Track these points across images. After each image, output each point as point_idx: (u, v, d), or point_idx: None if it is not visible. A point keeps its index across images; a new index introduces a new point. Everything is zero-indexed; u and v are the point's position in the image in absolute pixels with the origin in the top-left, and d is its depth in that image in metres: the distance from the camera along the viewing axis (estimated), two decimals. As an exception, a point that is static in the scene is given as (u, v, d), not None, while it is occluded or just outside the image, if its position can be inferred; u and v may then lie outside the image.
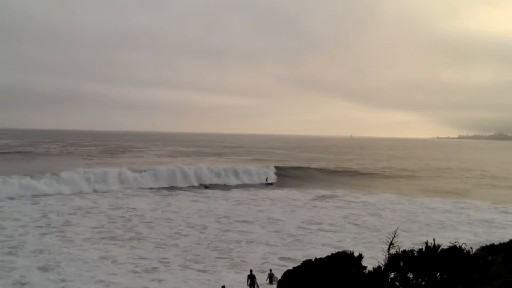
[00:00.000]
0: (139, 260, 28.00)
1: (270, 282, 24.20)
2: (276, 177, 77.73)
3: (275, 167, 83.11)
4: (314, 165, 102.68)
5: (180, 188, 62.94)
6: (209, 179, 69.98)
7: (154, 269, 26.46)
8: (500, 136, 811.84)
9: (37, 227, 35.81)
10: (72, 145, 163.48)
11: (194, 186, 65.47)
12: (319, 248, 31.34)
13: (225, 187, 67.41)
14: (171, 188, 62.65)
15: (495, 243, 19.06)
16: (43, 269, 25.42)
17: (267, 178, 75.58)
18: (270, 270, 25.26)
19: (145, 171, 66.55)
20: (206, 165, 77.28)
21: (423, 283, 10.83)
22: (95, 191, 56.09)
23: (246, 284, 23.50)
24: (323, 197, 58.13)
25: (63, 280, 23.53)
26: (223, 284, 22.65)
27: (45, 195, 51.37)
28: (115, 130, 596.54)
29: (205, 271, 26.35)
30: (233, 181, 71.91)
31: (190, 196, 55.92)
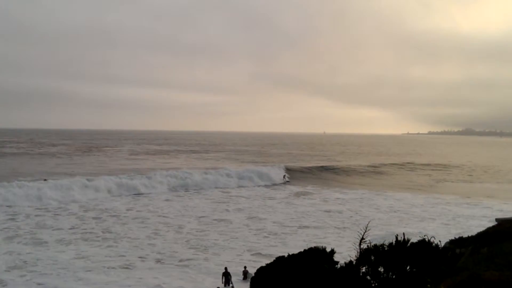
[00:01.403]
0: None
1: (245, 278, 24.28)
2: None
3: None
4: (289, 163, 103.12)
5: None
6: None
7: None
8: (469, 132, 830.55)
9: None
10: (42, 144, 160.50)
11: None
12: (298, 244, 31.50)
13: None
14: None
15: (464, 236, 19.52)
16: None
17: (284, 175, 75.10)
18: (245, 267, 25.35)
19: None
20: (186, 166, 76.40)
21: (394, 276, 11.02)
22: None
23: (220, 282, 23.50)
24: (297, 194, 58.56)
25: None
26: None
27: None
28: (87, 129, 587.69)
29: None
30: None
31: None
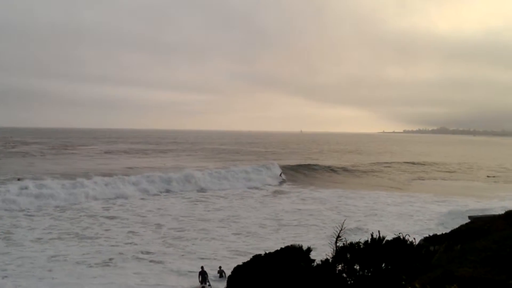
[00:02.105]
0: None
1: (221, 277, 24.32)
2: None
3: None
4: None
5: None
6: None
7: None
8: (443, 130, 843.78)
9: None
10: (15, 143, 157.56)
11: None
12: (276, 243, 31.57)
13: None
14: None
15: (438, 234, 19.80)
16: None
17: (281, 173, 74.67)
18: (220, 267, 25.37)
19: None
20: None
21: (369, 274, 11.10)
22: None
23: (197, 281, 23.45)
24: (274, 193, 58.77)
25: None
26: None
27: None
28: (63, 127, 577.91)
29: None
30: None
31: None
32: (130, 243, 31.14)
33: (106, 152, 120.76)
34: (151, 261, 27.24)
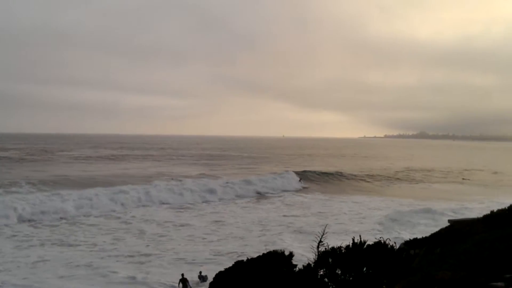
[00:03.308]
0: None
1: (203, 281, 24.30)
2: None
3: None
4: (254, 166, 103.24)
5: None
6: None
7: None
8: (423, 135, 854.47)
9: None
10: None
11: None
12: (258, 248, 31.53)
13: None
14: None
15: (418, 237, 20.02)
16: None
17: (300, 179, 74.84)
18: (200, 272, 25.31)
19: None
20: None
21: (351, 278, 11.16)
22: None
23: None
24: (258, 199, 58.81)
25: None
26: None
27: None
28: (42, 133, 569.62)
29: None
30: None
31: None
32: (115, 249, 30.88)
33: (86, 158, 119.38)
34: (132, 263, 27.05)
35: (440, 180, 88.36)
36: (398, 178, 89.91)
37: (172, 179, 72.27)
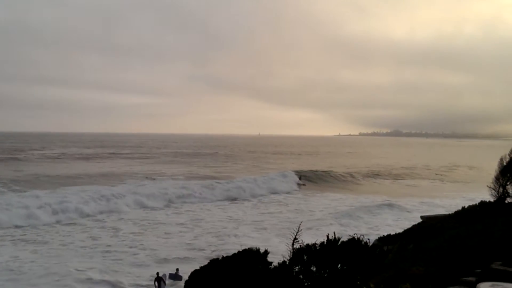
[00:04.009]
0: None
1: (176, 279, 24.24)
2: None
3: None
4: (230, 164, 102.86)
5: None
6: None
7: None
8: (396, 133, 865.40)
9: None
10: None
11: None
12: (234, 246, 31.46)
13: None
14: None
15: (391, 234, 20.28)
16: None
17: (300, 177, 73.99)
18: (177, 269, 25.20)
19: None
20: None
21: (326, 274, 11.23)
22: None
23: (153, 286, 23.18)
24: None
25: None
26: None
27: None
28: (14, 131, 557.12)
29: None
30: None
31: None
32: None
33: (59, 157, 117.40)
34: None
35: (419, 177, 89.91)
36: (378, 175, 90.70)
37: (146, 177, 71.79)
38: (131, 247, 31.57)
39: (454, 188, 72.36)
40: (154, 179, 70.10)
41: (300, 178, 73.63)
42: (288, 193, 63.41)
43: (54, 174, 73.13)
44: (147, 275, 24.92)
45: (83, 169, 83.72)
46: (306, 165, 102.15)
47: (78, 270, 25.63)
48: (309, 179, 78.49)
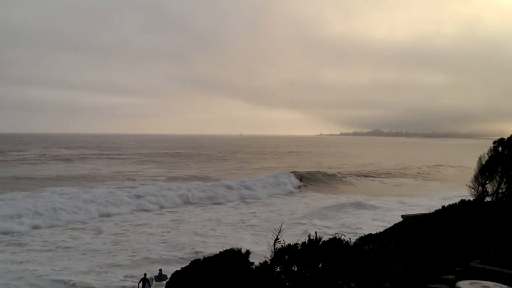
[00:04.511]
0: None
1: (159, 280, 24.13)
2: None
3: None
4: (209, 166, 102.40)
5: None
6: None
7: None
8: (377, 132, 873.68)
9: None
10: None
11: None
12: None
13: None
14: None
15: (372, 233, 20.39)
16: None
17: (301, 178, 73.44)
18: (160, 269, 25.08)
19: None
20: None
21: (307, 274, 11.22)
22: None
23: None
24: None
25: None
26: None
27: None
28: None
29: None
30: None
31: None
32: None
33: (39, 158, 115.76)
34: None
35: (405, 176, 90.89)
36: (365, 175, 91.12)
37: (129, 178, 71.27)
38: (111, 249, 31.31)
39: (436, 186, 73.32)
40: (134, 180, 69.59)
41: (301, 180, 73.24)
42: (291, 193, 64.16)
43: (35, 175, 72.33)
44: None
45: (64, 170, 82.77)
46: (290, 165, 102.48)
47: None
48: (306, 180, 78.22)
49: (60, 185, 60.24)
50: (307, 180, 76.64)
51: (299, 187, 69.84)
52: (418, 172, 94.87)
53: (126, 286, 23.92)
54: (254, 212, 47.09)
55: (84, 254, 29.80)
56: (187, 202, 52.22)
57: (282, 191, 64.33)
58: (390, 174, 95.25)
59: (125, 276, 25.14)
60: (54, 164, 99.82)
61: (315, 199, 57.53)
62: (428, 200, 53.33)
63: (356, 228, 37.03)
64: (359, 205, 50.12)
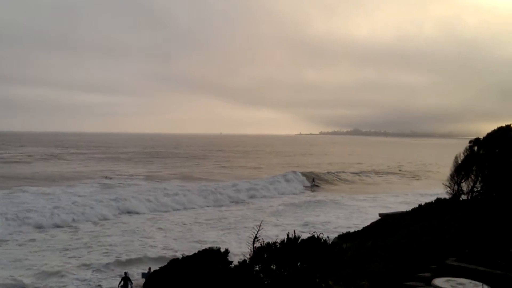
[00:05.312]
0: None
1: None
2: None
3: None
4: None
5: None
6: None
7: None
8: (356, 132, 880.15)
9: None
10: None
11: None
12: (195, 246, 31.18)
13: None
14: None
15: (350, 231, 20.55)
16: None
17: (313, 179, 72.53)
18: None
19: None
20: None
21: (286, 273, 11.27)
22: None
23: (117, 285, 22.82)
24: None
25: None
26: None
27: None
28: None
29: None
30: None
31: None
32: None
33: (15, 157, 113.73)
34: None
35: (393, 174, 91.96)
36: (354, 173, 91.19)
37: (106, 177, 70.58)
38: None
39: (418, 185, 74.61)
40: (111, 178, 68.94)
41: (313, 180, 72.34)
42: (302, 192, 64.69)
43: (13, 173, 71.24)
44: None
45: (40, 169, 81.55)
46: (279, 164, 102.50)
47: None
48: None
49: (36, 184, 59.27)
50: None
51: (311, 187, 69.34)
52: (400, 170, 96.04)
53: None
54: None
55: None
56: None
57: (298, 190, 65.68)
58: (383, 171, 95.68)
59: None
60: (31, 163, 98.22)
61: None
62: (408, 198, 54.29)
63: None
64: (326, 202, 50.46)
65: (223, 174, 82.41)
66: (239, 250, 23.09)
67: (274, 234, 26.59)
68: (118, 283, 22.92)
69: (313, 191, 66.73)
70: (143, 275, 24.09)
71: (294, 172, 75.48)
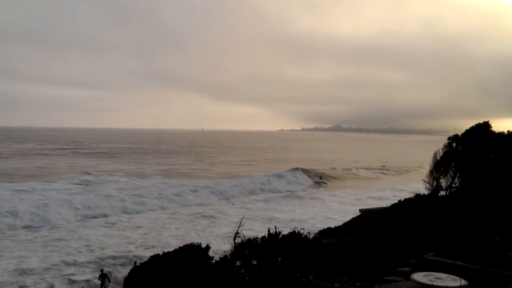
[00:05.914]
0: None
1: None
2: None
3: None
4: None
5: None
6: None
7: None
8: (337, 128, 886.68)
9: None
10: None
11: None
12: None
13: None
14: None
15: (331, 227, 20.71)
16: None
17: (320, 176, 71.69)
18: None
19: None
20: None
21: (267, 268, 11.30)
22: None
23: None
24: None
25: None
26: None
27: None
28: None
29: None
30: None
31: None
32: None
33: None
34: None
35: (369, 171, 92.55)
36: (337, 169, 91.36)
37: (86, 172, 70.00)
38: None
39: (397, 180, 75.50)
40: (90, 173, 68.34)
41: (320, 178, 71.65)
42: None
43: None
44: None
45: (18, 165, 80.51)
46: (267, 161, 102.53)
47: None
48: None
49: (16, 180, 58.49)
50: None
51: (319, 183, 68.64)
52: (383, 166, 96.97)
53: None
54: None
55: None
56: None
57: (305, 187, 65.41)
58: (366, 168, 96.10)
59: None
60: (9, 159, 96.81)
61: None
62: (389, 193, 54.91)
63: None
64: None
65: (204, 171, 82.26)
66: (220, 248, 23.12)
67: (260, 230, 26.62)
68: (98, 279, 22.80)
69: (320, 187, 66.33)
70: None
71: (297, 169, 75.69)
